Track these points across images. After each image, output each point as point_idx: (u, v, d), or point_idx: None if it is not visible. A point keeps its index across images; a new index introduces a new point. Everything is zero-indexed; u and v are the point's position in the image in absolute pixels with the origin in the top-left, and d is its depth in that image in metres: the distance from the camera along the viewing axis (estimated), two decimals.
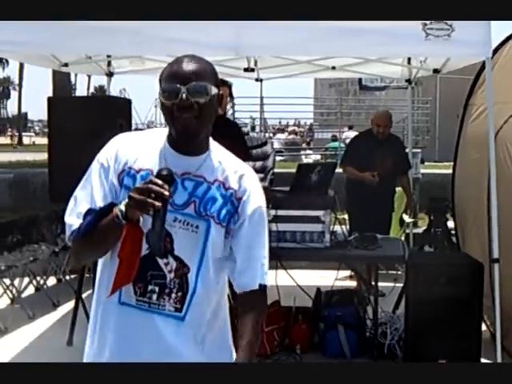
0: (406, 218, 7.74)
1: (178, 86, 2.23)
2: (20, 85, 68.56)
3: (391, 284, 6.27)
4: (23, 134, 56.87)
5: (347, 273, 7.33)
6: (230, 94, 6.12)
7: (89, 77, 53.65)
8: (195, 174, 2.32)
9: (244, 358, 2.29)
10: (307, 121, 33.05)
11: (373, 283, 5.56)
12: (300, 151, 24.41)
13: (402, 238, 6.94)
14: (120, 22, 4.83)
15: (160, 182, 2.13)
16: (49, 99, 6.24)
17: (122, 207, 2.18)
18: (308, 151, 24.93)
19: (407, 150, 8.22)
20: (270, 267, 4.97)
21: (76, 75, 49.85)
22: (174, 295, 2.30)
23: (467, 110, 6.23)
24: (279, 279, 5.39)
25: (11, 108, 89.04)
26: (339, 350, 5.42)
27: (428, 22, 4.69)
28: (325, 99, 33.32)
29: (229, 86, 6.13)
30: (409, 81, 8.02)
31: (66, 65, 6.96)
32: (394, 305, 5.99)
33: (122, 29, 4.95)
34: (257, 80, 8.03)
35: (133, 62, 7.69)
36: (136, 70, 8.06)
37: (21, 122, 65.58)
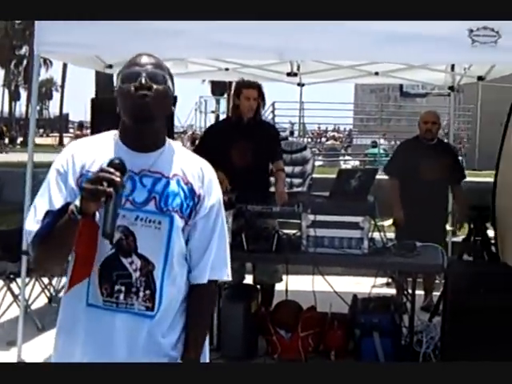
0: (447, 227, 7.67)
1: (138, 69, 2.32)
2: (62, 86, 69.35)
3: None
4: (64, 134, 57.44)
5: (384, 280, 7.30)
6: (261, 96, 6.09)
7: None
8: (152, 169, 2.35)
9: (188, 356, 2.39)
10: (346, 126, 32.98)
11: (410, 291, 5.51)
12: (339, 157, 24.34)
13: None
14: (164, 22, 4.88)
15: (111, 169, 2.15)
16: (92, 100, 6.33)
17: (77, 202, 2.17)
18: (347, 157, 24.88)
19: None
20: (307, 273, 4.98)
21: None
22: (141, 293, 2.32)
23: (511, 120, 6.16)
24: (316, 284, 5.39)
25: (53, 109, 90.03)
26: (374, 357, 5.39)
27: (474, 28, 4.66)
28: (365, 105, 33.24)
29: (257, 87, 6.10)
30: (451, 88, 7.96)
31: (110, 66, 7.03)
32: (431, 313, 5.95)
33: (166, 31, 4.98)
34: (299, 85, 8.03)
35: (176, 64, 7.71)
36: (179, 73, 8.09)
37: (62, 123, 66.40)
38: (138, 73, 2.31)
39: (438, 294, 5.88)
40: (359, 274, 7.31)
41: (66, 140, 55.98)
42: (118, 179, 2.13)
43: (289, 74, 6.83)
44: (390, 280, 6.90)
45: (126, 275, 2.31)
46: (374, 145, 23.56)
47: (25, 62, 71.50)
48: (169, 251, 2.34)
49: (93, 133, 6.32)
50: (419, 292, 5.59)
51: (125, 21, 4.91)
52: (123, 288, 2.31)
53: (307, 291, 5.50)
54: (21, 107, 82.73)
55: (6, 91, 79.14)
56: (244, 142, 5.97)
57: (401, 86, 20.73)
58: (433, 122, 6.83)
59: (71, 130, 56.22)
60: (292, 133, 25.89)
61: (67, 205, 2.22)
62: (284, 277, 5.93)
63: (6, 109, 77.90)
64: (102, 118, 5.98)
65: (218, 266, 2.47)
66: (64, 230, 2.21)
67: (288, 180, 10.14)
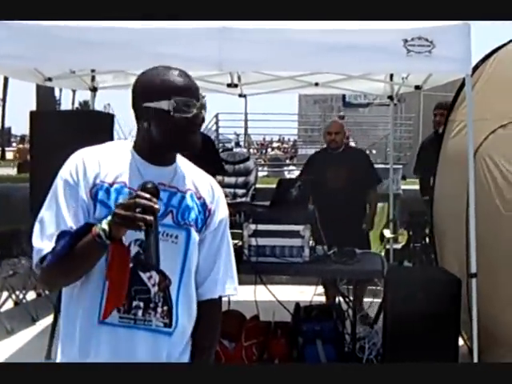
0: (387, 234, 7.78)
1: (193, 100, 2.22)
2: (4, 99, 68.33)
3: (370, 299, 6.30)
4: (6, 148, 56.63)
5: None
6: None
7: (73, 92, 53.45)
8: (169, 184, 2.29)
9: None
10: (291, 137, 33.13)
11: (351, 298, 5.58)
12: (283, 167, 24.49)
13: (383, 254, 6.97)
14: (106, 35, 4.88)
15: (148, 195, 2.06)
16: (31, 113, 6.26)
17: (105, 226, 2.07)
18: (291, 167, 25.01)
19: (388, 166, 8.24)
20: (248, 282, 4.99)
21: (61, 90, 49.75)
22: (159, 309, 2.26)
23: (447, 125, 6.29)
24: (258, 294, 5.42)
25: None
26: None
27: (409, 38, 4.75)
28: (309, 115, 33.46)
29: None
30: (391, 97, 8.07)
31: (49, 79, 6.96)
32: (373, 320, 6.03)
33: (107, 43, 4.96)
34: (240, 96, 8.06)
35: (116, 76, 7.69)
36: (119, 85, 8.07)
37: (4, 137, 65.33)
38: (193, 104, 2.22)
39: (380, 300, 5.94)
40: (302, 282, 7.36)
41: (8, 154, 55.16)
42: (156, 206, 2.05)
43: (229, 85, 6.85)
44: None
45: (145, 290, 2.24)
46: None
47: None
48: (185, 266, 2.30)
49: (32, 147, 6.26)
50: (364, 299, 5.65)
51: (63, 31, 4.92)
52: (142, 304, 2.24)
53: (250, 301, 5.52)
54: None
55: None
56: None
57: (343, 97, 20.99)
58: (336, 132, 7.10)
59: (14, 144, 55.30)
60: (238, 143, 25.94)
61: (87, 225, 2.13)
62: None
63: None
64: (41, 130, 5.93)
65: (227, 281, 2.43)
66: (87, 253, 2.13)
67: (231, 190, 10.19)
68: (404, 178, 11.89)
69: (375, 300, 6.06)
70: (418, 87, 7.16)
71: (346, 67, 5.49)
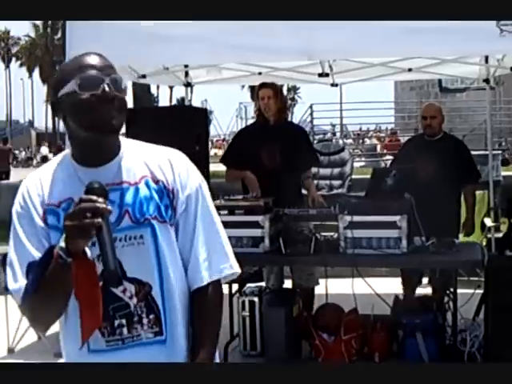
0: (488, 222, 7.55)
1: (99, 75, 2.01)
2: None
3: (472, 291, 6.11)
4: None
5: (426, 279, 7.18)
6: (278, 96, 6.01)
7: (171, 88, 54.39)
8: (116, 181, 2.08)
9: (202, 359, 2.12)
10: (388, 125, 32.76)
11: (452, 290, 5.43)
12: (381, 156, 24.19)
13: (484, 243, 6.76)
14: (194, 29, 4.90)
15: (93, 196, 1.89)
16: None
17: (62, 244, 1.91)
18: (388, 156, 24.69)
19: (487, 152, 7.97)
20: (345, 275, 4.88)
21: (158, 87, 50.64)
22: (145, 320, 2.09)
23: None
24: (356, 287, 5.34)
25: None
26: (418, 358, 5.31)
27: (502, 17, 4.57)
28: (406, 103, 33.00)
29: (271, 86, 6.00)
30: (487, 80, 7.82)
31: (143, 76, 7.06)
32: (475, 311, 5.85)
33: (195, 37, 5.00)
34: (332, 85, 7.97)
35: (210, 71, 7.74)
36: (213, 80, 8.12)
37: None
38: (100, 78, 2.01)
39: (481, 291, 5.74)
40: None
41: None
42: (103, 205, 1.88)
43: (320, 75, 6.77)
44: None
45: (124, 306, 2.06)
46: None
47: None
48: (161, 264, 2.09)
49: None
50: (461, 291, 5.47)
51: (153, 28, 4.97)
52: (124, 321, 2.07)
53: (347, 294, 5.44)
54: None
55: (49, 107, 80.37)
56: (271, 143, 5.93)
57: (439, 82, 20.48)
58: (431, 116, 6.33)
59: None
60: (334, 134, 25.82)
61: (50, 249, 1.97)
62: (323, 280, 5.88)
63: (50, 124, 79.11)
64: (135, 127, 5.99)
65: (215, 262, 2.18)
66: (55, 279, 1.94)
67: (327, 182, 10.13)
68: (506, 163, 11.54)
69: (477, 291, 5.86)
70: None
71: (438, 51, 5.31)
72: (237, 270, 2.24)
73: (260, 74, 7.44)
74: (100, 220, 1.86)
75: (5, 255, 6.27)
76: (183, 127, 5.65)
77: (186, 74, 7.88)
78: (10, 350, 6.16)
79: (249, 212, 5.37)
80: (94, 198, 1.88)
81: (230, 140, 7.60)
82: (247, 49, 5.09)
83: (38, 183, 2.10)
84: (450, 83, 21.29)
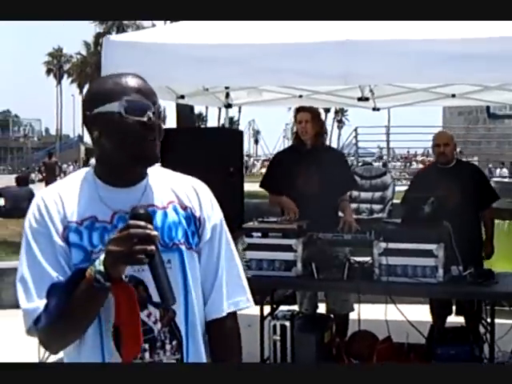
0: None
1: (146, 102, 1.99)
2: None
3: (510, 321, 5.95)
4: None
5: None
6: (316, 120, 6.00)
7: (219, 108, 54.83)
8: (143, 204, 2.01)
9: None
10: None
11: (489, 320, 5.29)
12: None
13: None
14: (232, 51, 4.90)
15: (142, 222, 1.85)
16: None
17: (100, 267, 1.85)
18: None
19: None
20: (380, 301, 4.78)
21: (207, 108, 50.90)
22: (168, 346, 2.05)
23: None
24: (390, 313, 5.24)
25: None
26: None
27: None
28: (453, 127, 32.70)
29: (309, 110, 6.04)
30: None
31: (182, 97, 7.07)
32: None
33: (235, 59, 4.99)
34: (374, 109, 7.89)
35: (250, 93, 7.73)
36: (253, 102, 8.11)
37: None
38: (147, 106, 1.99)
39: None
40: None
41: None
42: (154, 232, 1.85)
43: (360, 99, 6.72)
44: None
45: (147, 330, 2.02)
46: None
47: None
48: (188, 291, 2.07)
49: (163, 163, 6.33)
50: (499, 321, 5.33)
51: (192, 49, 4.99)
52: (147, 346, 2.02)
53: (381, 320, 5.35)
54: None
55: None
56: (307, 167, 5.89)
57: (487, 108, 20.24)
58: (445, 143, 6.28)
59: None
60: (381, 157, 25.70)
61: (79, 272, 1.92)
62: (356, 306, 5.79)
63: None
64: (171, 148, 5.99)
65: (233, 295, 2.18)
66: (86, 304, 1.91)
67: (368, 206, 10.05)
68: None
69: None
70: None
71: (477, 77, 5.18)
72: (252, 303, 2.24)
73: (301, 96, 7.41)
74: (153, 247, 1.84)
75: None
76: (217, 148, 5.64)
77: (227, 95, 7.88)
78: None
79: (282, 235, 5.31)
80: (143, 223, 1.85)
81: (268, 163, 7.57)
82: (286, 72, 5.06)
83: (58, 199, 2.04)
84: (498, 109, 21.06)
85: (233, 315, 2.20)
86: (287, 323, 5.57)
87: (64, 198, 2.04)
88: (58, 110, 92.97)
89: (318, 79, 5.07)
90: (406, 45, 4.68)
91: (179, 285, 2.05)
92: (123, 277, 1.90)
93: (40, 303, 1.94)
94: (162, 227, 2.04)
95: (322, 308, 6.22)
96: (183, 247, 2.06)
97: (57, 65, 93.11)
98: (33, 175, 41.71)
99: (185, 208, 2.11)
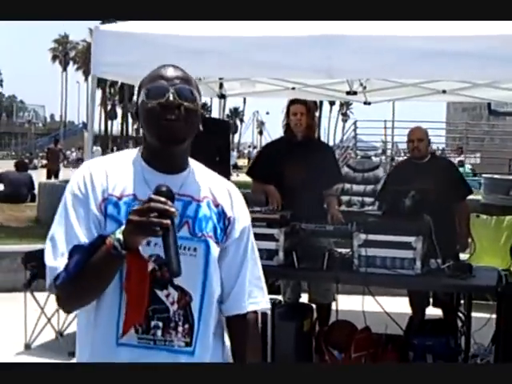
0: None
1: (166, 84, 2.10)
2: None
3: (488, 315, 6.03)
4: None
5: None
6: (310, 113, 6.08)
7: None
8: (180, 192, 2.14)
9: None
10: (439, 145, 32.49)
11: (465, 313, 5.38)
12: None
13: None
14: (226, 44, 4.99)
15: (162, 198, 1.95)
16: None
17: (119, 236, 1.97)
18: None
19: None
20: (357, 292, 4.87)
21: (211, 98, 50.81)
22: (180, 328, 2.13)
23: None
24: (369, 305, 5.33)
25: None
26: None
27: None
28: (456, 123, 32.70)
29: (304, 102, 6.10)
30: None
31: None
32: (492, 338, 5.78)
33: (228, 51, 5.09)
34: (365, 103, 7.97)
35: (243, 84, 7.81)
36: (247, 93, 8.19)
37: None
38: (165, 88, 2.10)
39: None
40: None
41: None
42: (172, 209, 1.95)
43: (348, 93, 6.80)
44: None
45: (163, 309, 2.11)
46: (461, 164, 23.11)
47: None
48: (206, 280, 2.16)
49: None
50: (476, 314, 5.42)
51: (182, 41, 5.07)
52: (161, 324, 2.11)
53: (359, 311, 5.44)
54: (118, 126, 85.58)
55: (102, 110, 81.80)
56: (297, 160, 5.96)
57: (489, 105, 20.23)
58: (419, 139, 6.38)
59: None
60: (384, 151, 25.67)
61: (99, 238, 2.04)
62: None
63: (103, 127, 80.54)
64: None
65: (255, 295, 2.30)
66: (103, 268, 2.02)
67: (360, 199, 10.14)
68: None
69: (492, 316, 5.79)
70: None
71: (457, 74, 5.22)
72: (269, 306, 2.37)
73: (293, 89, 7.48)
74: (169, 221, 1.94)
75: (27, 253, 6.45)
76: (204, 138, 5.71)
77: (221, 85, 7.95)
78: (27, 346, 6.26)
79: (266, 225, 5.39)
80: (164, 199, 1.95)
81: (257, 153, 7.65)
82: (273, 65, 5.15)
83: (103, 172, 2.15)
84: (500, 106, 21.06)
85: (254, 313, 2.31)
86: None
87: (109, 172, 2.16)
88: (63, 97, 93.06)
89: (302, 72, 5.17)
90: (391, 40, 4.76)
91: (200, 272, 2.15)
92: (140, 248, 2.01)
93: (61, 263, 2.05)
94: (194, 217, 2.17)
95: (304, 298, 6.32)
96: (211, 240, 2.17)
97: (62, 51, 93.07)
98: (35, 161, 41.78)
99: (217, 205, 2.23)
